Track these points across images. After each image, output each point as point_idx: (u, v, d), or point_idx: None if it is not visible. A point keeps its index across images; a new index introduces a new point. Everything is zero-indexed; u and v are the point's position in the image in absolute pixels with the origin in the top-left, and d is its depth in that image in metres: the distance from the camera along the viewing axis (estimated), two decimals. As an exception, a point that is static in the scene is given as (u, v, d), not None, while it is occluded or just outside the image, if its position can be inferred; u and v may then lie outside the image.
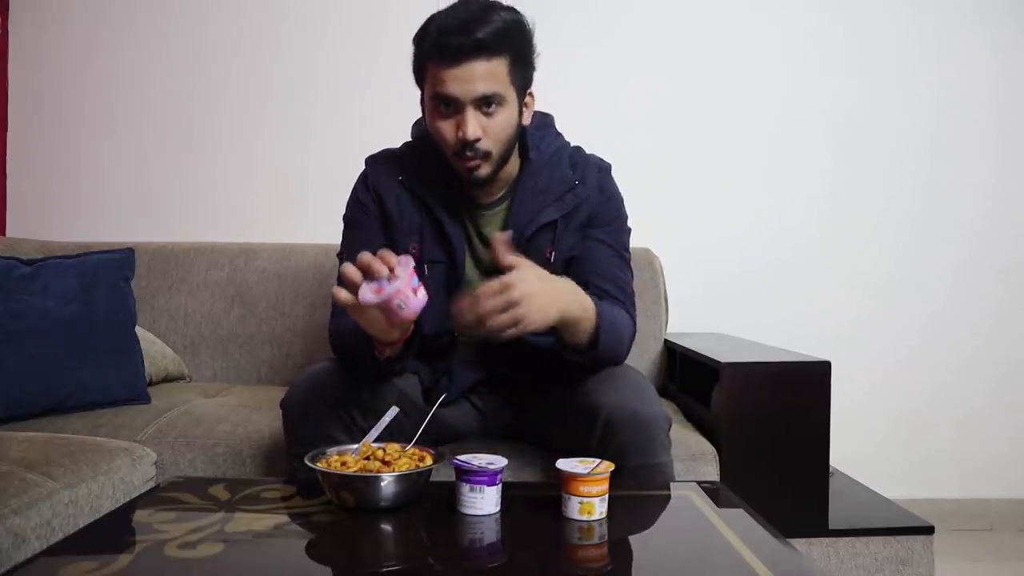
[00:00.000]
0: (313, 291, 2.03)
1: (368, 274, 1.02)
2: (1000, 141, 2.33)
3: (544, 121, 1.41)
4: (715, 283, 2.31)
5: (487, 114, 1.21)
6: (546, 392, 1.35)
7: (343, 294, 1.03)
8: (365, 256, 1.03)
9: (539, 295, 1.07)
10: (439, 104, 1.22)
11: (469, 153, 1.22)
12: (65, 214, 2.31)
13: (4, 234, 2.29)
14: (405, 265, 1.03)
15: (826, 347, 1.83)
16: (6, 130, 2.31)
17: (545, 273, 1.12)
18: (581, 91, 2.21)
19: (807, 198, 2.33)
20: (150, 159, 2.32)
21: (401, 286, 1.01)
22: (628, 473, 1.16)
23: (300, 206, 2.30)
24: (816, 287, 2.32)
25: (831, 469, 1.59)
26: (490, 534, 0.97)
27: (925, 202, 2.33)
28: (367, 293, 1.01)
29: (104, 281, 1.71)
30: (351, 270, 1.02)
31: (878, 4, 2.31)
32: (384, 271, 1.02)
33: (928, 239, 2.33)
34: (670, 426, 1.23)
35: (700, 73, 2.31)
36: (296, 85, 2.31)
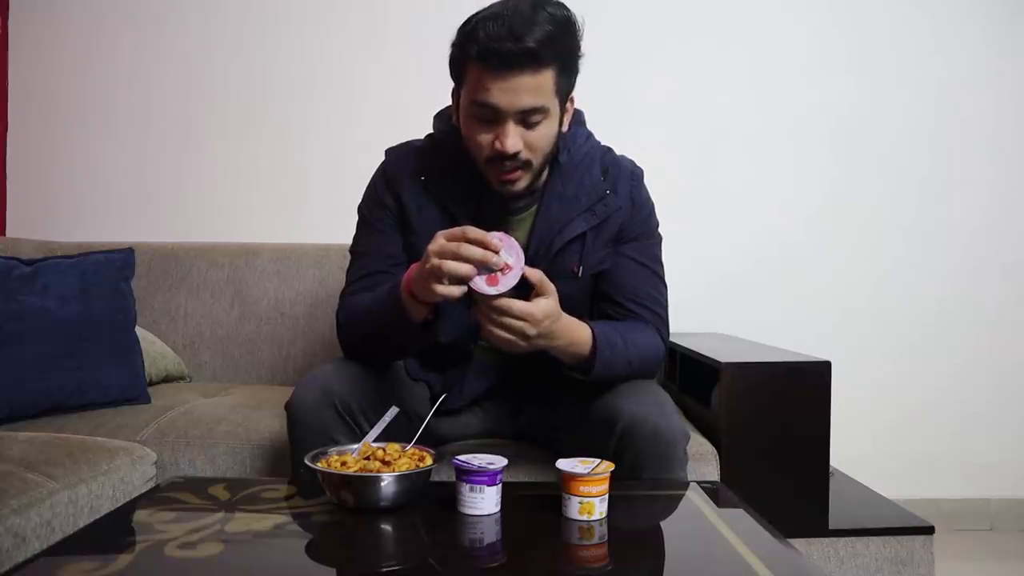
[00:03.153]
0: (313, 291, 2.02)
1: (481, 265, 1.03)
2: (999, 139, 2.33)
3: (576, 119, 1.33)
4: (715, 283, 2.31)
5: (529, 126, 1.16)
6: (561, 400, 1.32)
7: (454, 291, 1.04)
8: (478, 253, 1.03)
9: (549, 336, 1.11)
10: (479, 110, 1.15)
11: (508, 164, 1.17)
12: (65, 214, 2.31)
13: (4, 234, 2.29)
14: (518, 256, 1.05)
15: (826, 347, 1.83)
16: (6, 130, 2.31)
17: (557, 310, 1.12)
18: (581, 90, 2.21)
19: (807, 197, 2.33)
20: (150, 159, 2.32)
21: (518, 274, 1.04)
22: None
23: (300, 206, 2.30)
24: (817, 287, 2.32)
25: (831, 469, 1.60)
26: (490, 534, 0.97)
27: (925, 201, 2.33)
28: (483, 285, 1.03)
29: (104, 281, 1.71)
30: (464, 268, 1.03)
31: (879, 3, 2.31)
32: (499, 263, 1.03)
33: (928, 238, 2.33)
34: (687, 442, 1.21)
35: (700, 73, 2.31)
36: (296, 85, 2.31)
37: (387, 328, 1.20)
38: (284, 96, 2.31)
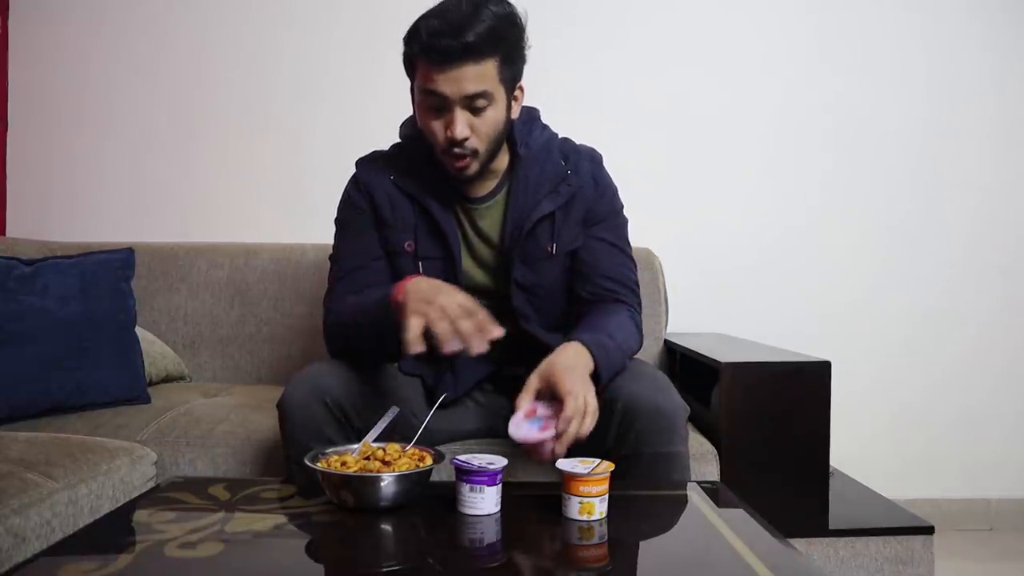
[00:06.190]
0: (313, 291, 2.02)
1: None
2: (995, 138, 2.33)
3: (530, 115, 1.41)
4: (715, 283, 2.31)
5: (476, 112, 1.22)
6: None
7: (417, 346, 1.10)
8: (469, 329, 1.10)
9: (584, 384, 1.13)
10: (428, 99, 1.22)
11: (457, 151, 1.23)
12: (65, 214, 2.31)
13: (4, 234, 2.29)
14: (549, 419, 1.10)
15: (826, 347, 1.83)
16: (6, 130, 2.31)
17: (573, 366, 1.13)
18: (581, 91, 2.22)
19: (807, 198, 2.33)
20: (150, 159, 2.32)
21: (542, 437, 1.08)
22: (644, 462, 1.17)
23: (300, 206, 2.30)
24: (817, 287, 2.32)
25: (831, 469, 1.60)
26: (490, 534, 0.97)
27: (922, 200, 2.33)
28: (525, 430, 1.08)
29: (104, 281, 1.71)
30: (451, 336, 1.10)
31: (876, 4, 2.31)
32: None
33: (926, 236, 2.33)
34: (687, 416, 1.24)
35: (700, 73, 2.31)
36: (297, 85, 2.31)
37: (374, 336, 1.24)
38: (284, 96, 2.31)
